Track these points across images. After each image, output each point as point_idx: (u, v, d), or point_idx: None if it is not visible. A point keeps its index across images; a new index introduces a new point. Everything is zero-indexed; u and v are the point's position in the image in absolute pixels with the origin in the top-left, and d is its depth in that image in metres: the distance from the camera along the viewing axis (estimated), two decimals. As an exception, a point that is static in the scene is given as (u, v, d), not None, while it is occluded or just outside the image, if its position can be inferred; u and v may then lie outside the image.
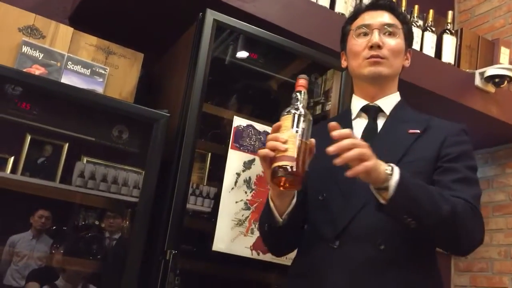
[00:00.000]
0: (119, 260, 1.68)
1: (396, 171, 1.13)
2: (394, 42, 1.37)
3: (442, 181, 1.25)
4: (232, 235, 1.68)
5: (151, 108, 1.74)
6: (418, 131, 1.32)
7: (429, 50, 2.49)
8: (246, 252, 1.68)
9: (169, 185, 1.64)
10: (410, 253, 1.23)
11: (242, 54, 2.00)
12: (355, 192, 1.25)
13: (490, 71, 2.50)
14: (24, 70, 1.69)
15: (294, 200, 1.26)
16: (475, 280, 2.89)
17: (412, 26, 2.44)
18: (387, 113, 1.38)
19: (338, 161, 1.10)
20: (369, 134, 1.35)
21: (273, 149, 1.14)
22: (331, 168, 1.25)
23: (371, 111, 1.39)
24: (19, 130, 1.78)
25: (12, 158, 1.78)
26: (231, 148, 1.74)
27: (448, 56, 2.54)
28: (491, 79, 2.51)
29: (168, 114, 1.70)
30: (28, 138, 1.82)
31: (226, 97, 1.96)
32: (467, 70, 2.58)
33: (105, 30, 2.00)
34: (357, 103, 1.43)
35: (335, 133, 1.11)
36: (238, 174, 1.72)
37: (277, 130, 1.18)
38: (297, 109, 1.19)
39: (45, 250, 1.78)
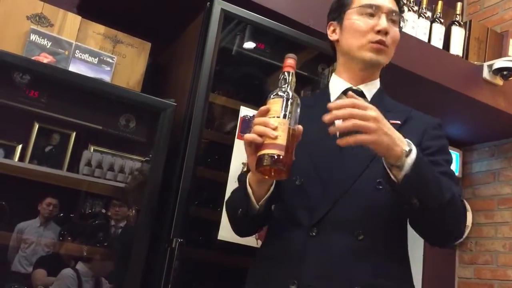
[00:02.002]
0: (126, 247, 1.70)
1: (414, 149, 1.10)
2: (396, 32, 1.34)
3: None
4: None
5: (158, 97, 1.75)
6: (399, 122, 1.28)
7: (438, 42, 2.47)
8: (251, 241, 1.69)
9: (176, 174, 1.66)
10: (387, 243, 1.22)
11: (249, 44, 1.99)
12: (335, 180, 1.23)
13: (499, 63, 2.48)
14: (32, 58, 1.70)
15: (272, 187, 1.22)
16: (479, 273, 2.89)
17: (421, 17, 2.44)
18: (369, 99, 1.34)
19: (332, 129, 1.09)
20: None
21: (261, 135, 1.08)
22: (311, 153, 1.23)
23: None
24: (27, 118, 1.79)
25: (20, 146, 1.80)
26: (238, 138, 1.75)
27: (457, 48, 2.53)
28: (499, 71, 2.50)
29: (175, 104, 1.71)
30: (36, 126, 1.83)
31: (233, 87, 1.96)
32: (475, 62, 2.56)
33: (113, 19, 2.00)
34: (338, 84, 1.37)
35: (332, 104, 1.09)
36: (244, 164, 1.73)
37: (264, 114, 1.11)
38: (285, 92, 1.11)
39: (52, 237, 1.79)
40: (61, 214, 1.85)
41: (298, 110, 1.13)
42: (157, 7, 2.11)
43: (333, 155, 1.24)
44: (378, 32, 1.29)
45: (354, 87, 1.35)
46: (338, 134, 1.13)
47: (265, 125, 1.08)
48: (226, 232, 1.66)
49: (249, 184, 1.21)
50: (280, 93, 1.12)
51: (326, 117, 1.09)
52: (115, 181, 1.86)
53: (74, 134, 1.89)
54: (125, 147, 1.91)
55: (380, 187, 1.21)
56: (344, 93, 1.33)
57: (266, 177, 1.12)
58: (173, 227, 1.62)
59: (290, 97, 1.11)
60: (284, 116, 1.09)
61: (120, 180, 1.87)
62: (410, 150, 1.10)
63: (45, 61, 1.72)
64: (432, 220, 1.18)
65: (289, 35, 1.90)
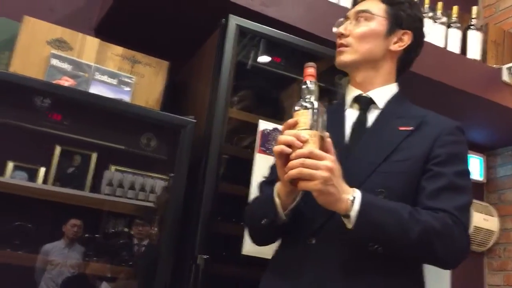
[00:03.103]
0: (150, 266, 1.70)
1: (357, 199, 1.09)
2: (360, 28, 1.34)
3: (427, 189, 1.19)
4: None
5: (177, 114, 1.77)
6: (410, 128, 1.26)
7: (454, 46, 2.45)
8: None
9: (197, 190, 1.66)
10: (387, 255, 1.16)
11: (265, 58, 2.01)
12: None
13: (517, 65, 2.46)
14: (54, 82, 1.73)
15: (299, 197, 1.21)
16: (509, 279, 2.82)
17: (436, 22, 2.43)
18: (380, 105, 1.33)
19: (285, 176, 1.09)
20: (358, 128, 1.30)
21: (291, 146, 1.09)
22: None
23: (362, 102, 1.34)
24: (49, 141, 1.83)
25: (43, 168, 1.83)
26: (258, 152, 1.75)
27: (474, 52, 2.50)
28: (518, 73, 2.47)
29: (195, 120, 1.72)
30: (58, 148, 1.87)
31: (250, 102, 1.97)
32: (494, 65, 2.53)
33: (130, 39, 2.04)
34: (350, 92, 1.38)
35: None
36: (266, 177, 1.72)
37: (292, 126, 1.12)
38: (310, 102, 1.11)
39: (77, 258, 1.81)
40: (85, 235, 1.87)
41: (325, 118, 1.13)
42: (173, 26, 2.14)
43: (339, 161, 1.24)
44: (337, 37, 1.37)
45: (363, 94, 1.35)
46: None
47: (297, 138, 1.09)
48: (250, 246, 1.65)
49: (278, 195, 1.20)
50: (305, 104, 1.11)
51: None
52: (136, 200, 1.88)
53: (95, 154, 1.92)
54: (145, 166, 1.93)
55: (381, 197, 1.18)
56: (355, 100, 1.35)
57: (299, 188, 1.12)
58: (197, 243, 1.62)
59: (316, 107, 1.11)
60: (313, 127, 1.10)
61: (142, 199, 1.88)
62: (354, 198, 1.09)
63: (66, 84, 1.75)
64: (411, 255, 1.16)
65: (305, 47, 1.91)
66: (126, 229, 1.98)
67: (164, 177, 1.93)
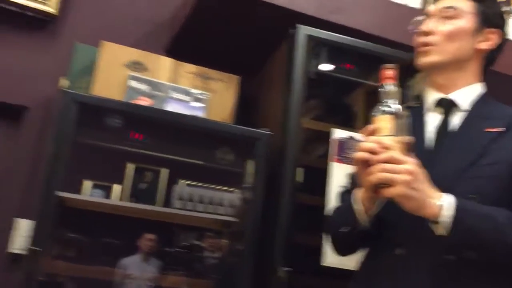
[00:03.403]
0: (226, 278, 1.71)
1: (451, 204, 1.04)
2: (447, 26, 1.26)
3: None
4: (341, 249, 1.64)
5: (250, 127, 1.78)
6: (500, 129, 1.18)
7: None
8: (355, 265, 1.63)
9: (275, 202, 1.66)
10: (482, 264, 1.09)
11: (335, 65, 1.99)
12: None
13: None
14: (132, 102, 1.80)
15: (380, 203, 1.16)
16: None
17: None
18: (463, 107, 1.25)
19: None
20: (442, 132, 1.23)
21: (373, 154, 1.05)
22: None
23: (444, 105, 1.26)
24: (122, 159, 1.90)
25: (117, 185, 1.91)
26: (333, 161, 1.72)
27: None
28: None
29: (270, 133, 1.73)
30: (130, 166, 1.94)
31: (323, 110, 1.95)
32: None
33: (200, 57, 2.08)
34: (429, 95, 1.30)
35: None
36: (343, 187, 1.69)
37: (373, 133, 1.08)
38: (391, 106, 1.05)
39: (154, 271, 1.85)
40: (160, 248, 1.92)
41: (408, 122, 1.08)
42: (241, 41, 2.17)
43: (424, 166, 1.18)
44: (419, 36, 1.28)
45: (443, 97, 1.28)
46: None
47: (379, 144, 1.05)
48: (331, 257, 1.62)
49: (362, 202, 1.16)
50: (385, 109, 1.07)
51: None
52: (206, 213, 1.90)
53: (165, 170, 1.98)
54: (214, 179, 1.96)
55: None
56: (438, 104, 1.27)
57: (381, 195, 1.08)
58: (276, 255, 1.61)
59: (398, 111, 1.06)
60: (395, 132, 1.05)
61: (211, 212, 1.90)
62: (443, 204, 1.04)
63: (144, 103, 1.81)
64: (510, 261, 1.08)
65: (376, 51, 1.88)
66: (198, 242, 2.01)
67: (232, 190, 1.95)
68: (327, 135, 1.78)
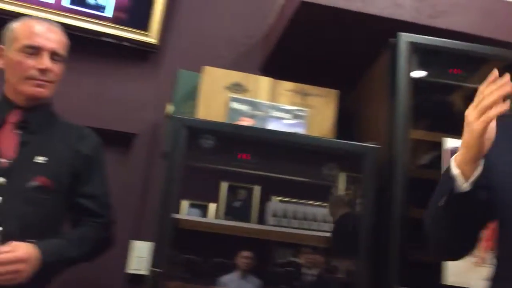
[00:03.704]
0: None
1: None
2: None
3: None
4: (463, 267, 1.54)
5: (350, 141, 1.74)
6: None
7: None
8: (481, 285, 1.52)
9: (386, 218, 1.60)
10: None
11: (441, 71, 1.90)
12: None
13: None
14: (235, 123, 1.84)
15: (480, 167, 1.06)
16: None
17: None
18: None
19: None
20: None
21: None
22: None
23: None
24: (216, 178, 1.95)
25: (213, 204, 1.95)
26: (445, 172, 1.63)
27: None
28: None
29: (377, 146, 1.68)
30: (224, 184, 1.96)
31: (431, 119, 1.86)
32: None
33: (295, 73, 2.08)
34: None
35: None
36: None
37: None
38: None
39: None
40: (258, 266, 1.91)
41: None
42: (338, 54, 2.15)
43: None
44: None
45: None
46: None
47: None
48: (452, 276, 1.53)
49: (458, 166, 1.07)
50: None
51: None
52: (300, 229, 1.87)
53: (258, 187, 1.97)
54: (306, 195, 1.94)
55: None
56: None
57: None
58: (391, 273, 1.55)
59: None
60: None
61: (306, 227, 1.87)
62: None
63: (246, 124, 1.84)
64: None
65: (486, 53, 1.77)
66: (294, 258, 1.99)
67: (324, 205, 1.92)
68: (435, 145, 1.70)
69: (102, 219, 1.53)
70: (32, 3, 2.19)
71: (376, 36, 1.90)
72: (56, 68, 1.47)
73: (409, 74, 1.71)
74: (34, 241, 1.32)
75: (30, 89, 1.44)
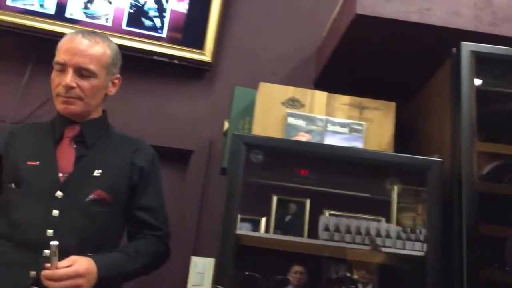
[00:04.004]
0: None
1: None
2: None
3: None
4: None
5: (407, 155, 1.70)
6: None
7: None
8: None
9: (455, 235, 1.54)
10: None
11: (501, 80, 1.83)
12: None
13: None
14: (292, 138, 1.83)
15: None
16: None
17: None
18: None
19: None
20: None
21: None
22: None
23: None
24: (267, 192, 1.92)
25: (264, 218, 1.92)
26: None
27: None
28: None
29: (441, 160, 1.62)
30: (275, 198, 1.95)
31: (498, 131, 1.79)
32: None
33: (354, 87, 2.06)
34: None
35: None
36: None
37: None
38: None
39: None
40: (310, 281, 1.87)
41: None
42: (393, 65, 2.12)
43: None
44: None
45: None
46: None
47: None
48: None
49: None
50: None
51: None
52: (355, 244, 1.82)
53: (308, 201, 1.95)
54: (358, 208, 1.90)
55: None
56: None
57: None
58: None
59: None
60: None
61: (359, 242, 1.83)
62: None
63: (303, 139, 1.83)
64: None
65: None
66: (348, 274, 1.94)
67: (378, 219, 1.86)
68: (494, 156, 1.63)
69: (159, 232, 1.51)
70: (87, 26, 2.27)
71: (434, 46, 1.86)
72: (85, 84, 1.42)
73: (473, 84, 1.65)
74: (91, 254, 1.32)
75: (59, 106, 1.43)
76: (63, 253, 1.24)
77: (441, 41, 1.81)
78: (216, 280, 1.48)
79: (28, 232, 1.31)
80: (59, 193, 1.35)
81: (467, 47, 1.69)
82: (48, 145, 1.43)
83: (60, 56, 1.41)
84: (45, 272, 1.22)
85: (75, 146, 1.43)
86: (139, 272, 1.44)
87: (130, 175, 1.48)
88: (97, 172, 1.42)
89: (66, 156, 1.41)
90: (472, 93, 1.64)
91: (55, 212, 1.34)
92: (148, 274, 1.50)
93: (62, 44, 1.43)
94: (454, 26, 1.83)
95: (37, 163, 1.39)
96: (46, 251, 1.27)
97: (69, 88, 1.40)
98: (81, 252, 1.30)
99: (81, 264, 1.26)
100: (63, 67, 1.40)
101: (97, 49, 1.44)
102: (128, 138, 1.57)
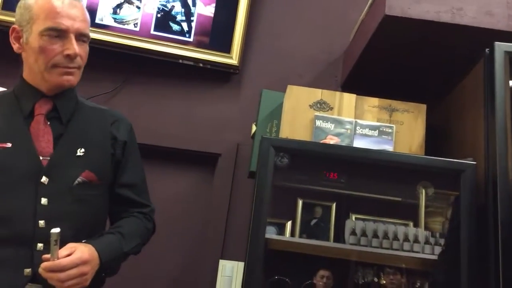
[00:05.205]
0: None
1: None
2: None
3: None
4: None
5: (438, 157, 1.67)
6: None
7: None
8: None
9: (490, 239, 1.50)
10: None
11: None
12: None
13: None
14: (320, 141, 1.82)
15: None
16: None
17: None
18: None
19: None
20: None
21: None
22: None
23: None
24: (292, 196, 1.92)
25: (289, 222, 1.92)
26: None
27: None
28: None
29: (474, 163, 1.59)
30: (300, 202, 1.93)
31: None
32: None
33: (383, 89, 2.04)
34: None
35: None
36: None
37: None
38: None
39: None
40: (336, 286, 1.86)
41: None
42: (423, 67, 2.08)
43: None
44: None
45: None
46: None
47: None
48: None
49: None
50: None
51: None
52: (382, 248, 1.80)
53: (334, 205, 1.93)
54: (385, 212, 1.87)
55: None
56: None
57: None
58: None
59: None
60: None
61: (386, 247, 1.80)
62: None
63: (331, 142, 1.81)
64: None
65: None
66: (375, 279, 1.91)
67: (405, 223, 1.85)
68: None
69: (146, 209, 1.41)
70: (116, 31, 2.31)
71: (466, 46, 1.82)
72: (83, 51, 1.30)
73: (507, 84, 1.61)
74: (85, 241, 1.22)
75: (57, 78, 1.27)
76: (59, 244, 1.12)
77: (473, 41, 1.77)
78: (246, 284, 1.47)
79: (18, 226, 1.18)
80: (44, 179, 1.22)
81: (501, 47, 1.65)
82: (17, 123, 1.27)
83: (59, 21, 1.24)
84: (46, 264, 1.11)
85: (48, 123, 1.28)
86: (133, 252, 1.34)
87: (113, 151, 1.35)
88: (80, 152, 1.28)
89: (43, 136, 1.26)
90: (507, 94, 1.60)
91: (44, 201, 1.21)
92: (139, 253, 1.39)
93: (53, 6, 1.25)
94: (487, 26, 1.79)
95: (9, 145, 1.23)
96: (40, 244, 1.18)
97: (74, 57, 1.26)
98: (76, 240, 1.19)
99: (83, 251, 1.16)
100: (62, 33, 1.25)
101: (86, 12, 1.33)
102: (99, 109, 1.42)
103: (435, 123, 2.08)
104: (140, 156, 1.44)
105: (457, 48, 1.90)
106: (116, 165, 1.36)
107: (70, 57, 1.26)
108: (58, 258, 1.11)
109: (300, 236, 1.93)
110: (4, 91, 1.38)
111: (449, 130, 1.99)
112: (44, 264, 1.11)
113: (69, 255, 1.13)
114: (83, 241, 1.21)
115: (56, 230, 1.09)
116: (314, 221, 1.98)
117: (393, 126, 1.88)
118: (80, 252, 1.14)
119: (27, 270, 1.17)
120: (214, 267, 2.08)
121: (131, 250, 1.32)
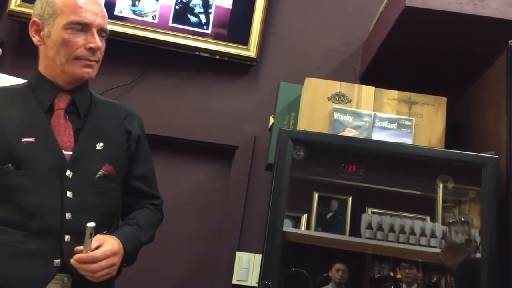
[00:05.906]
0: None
1: None
2: None
3: None
4: None
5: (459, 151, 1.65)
6: None
7: None
8: None
9: (510, 233, 1.48)
10: None
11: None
12: None
13: None
14: (339, 134, 1.81)
15: None
16: None
17: None
18: None
19: None
20: None
21: None
22: None
23: None
24: (308, 189, 1.91)
25: (305, 215, 1.91)
26: None
27: None
28: None
29: (496, 156, 1.57)
30: (316, 195, 1.92)
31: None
32: None
33: (402, 81, 2.01)
34: None
35: None
36: None
37: None
38: None
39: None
40: (353, 279, 1.85)
41: None
42: (443, 59, 2.05)
43: None
44: None
45: None
46: None
47: None
48: None
49: None
50: None
51: None
52: (398, 243, 1.78)
53: (350, 198, 1.92)
54: (402, 206, 1.86)
55: None
56: None
57: None
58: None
59: None
60: None
61: (403, 241, 1.78)
62: None
63: (350, 135, 1.80)
64: None
65: None
66: (391, 273, 1.90)
67: (422, 217, 1.83)
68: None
69: (157, 200, 1.47)
70: (134, 23, 2.32)
71: (488, 38, 1.79)
72: (102, 46, 1.36)
73: (531, 77, 1.58)
74: (107, 232, 1.27)
75: (78, 70, 1.31)
76: (83, 236, 1.18)
77: (496, 33, 1.74)
78: (263, 276, 1.48)
79: (47, 219, 1.23)
80: (68, 173, 1.26)
81: (525, 39, 1.61)
82: (38, 117, 1.30)
83: (83, 15, 1.30)
84: (80, 256, 1.17)
85: (67, 117, 1.32)
86: (148, 242, 1.40)
87: (127, 145, 1.41)
88: (99, 146, 1.33)
89: (64, 130, 1.30)
90: (530, 87, 1.57)
91: (69, 194, 1.26)
92: (151, 242, 1.44)
93: (77, 2, 1.31)
94: (510, 17, 1.75)
95: (33, 139, 1.26)
96: (67, 236, 1.23)
97: (96, 50, 1.32)
98: (99, 232, 1.23)
99: (112, 242, 1.22)
100: (85, 27, 1.30)
101: (104, 9, 1.38)
102: (111, 103, 1.47)
103: (455, 116, 2.05)
104: (148, 146, 1.49)
105: (479, 40, 1.87)
106: (130, 158, 1.41)
107: (93, 50, 1.31)
108: (90, 250, 1.17)
109: (316, 230, 1.92)
110: (17, 84, 1.41)
111: (470, 124, 1.96)
112: (77, 256, 1.17)
113: (98, 246, 1.19)
114: (104, 232, 1.26)
115: (91, 224, 1.15)
116: (330, 214, 1.97)
117: (412, 119, 1.86)
118: (110, 244, 1.21)
119: (57, 261, 1.22)
120: (231, 259, 2.09)
121: (147, 241, 1.38)
